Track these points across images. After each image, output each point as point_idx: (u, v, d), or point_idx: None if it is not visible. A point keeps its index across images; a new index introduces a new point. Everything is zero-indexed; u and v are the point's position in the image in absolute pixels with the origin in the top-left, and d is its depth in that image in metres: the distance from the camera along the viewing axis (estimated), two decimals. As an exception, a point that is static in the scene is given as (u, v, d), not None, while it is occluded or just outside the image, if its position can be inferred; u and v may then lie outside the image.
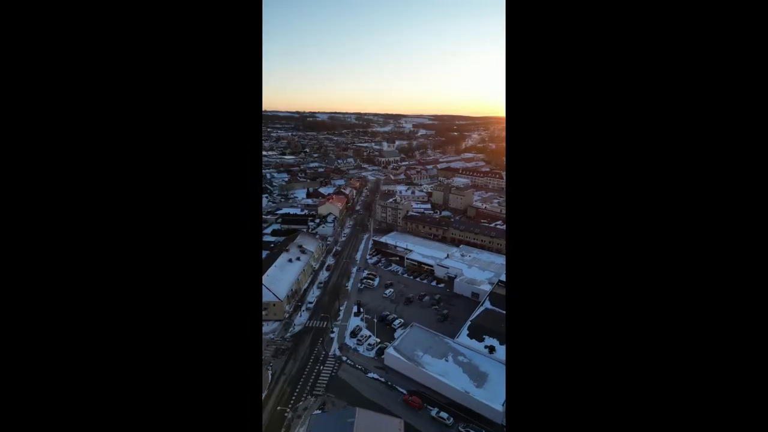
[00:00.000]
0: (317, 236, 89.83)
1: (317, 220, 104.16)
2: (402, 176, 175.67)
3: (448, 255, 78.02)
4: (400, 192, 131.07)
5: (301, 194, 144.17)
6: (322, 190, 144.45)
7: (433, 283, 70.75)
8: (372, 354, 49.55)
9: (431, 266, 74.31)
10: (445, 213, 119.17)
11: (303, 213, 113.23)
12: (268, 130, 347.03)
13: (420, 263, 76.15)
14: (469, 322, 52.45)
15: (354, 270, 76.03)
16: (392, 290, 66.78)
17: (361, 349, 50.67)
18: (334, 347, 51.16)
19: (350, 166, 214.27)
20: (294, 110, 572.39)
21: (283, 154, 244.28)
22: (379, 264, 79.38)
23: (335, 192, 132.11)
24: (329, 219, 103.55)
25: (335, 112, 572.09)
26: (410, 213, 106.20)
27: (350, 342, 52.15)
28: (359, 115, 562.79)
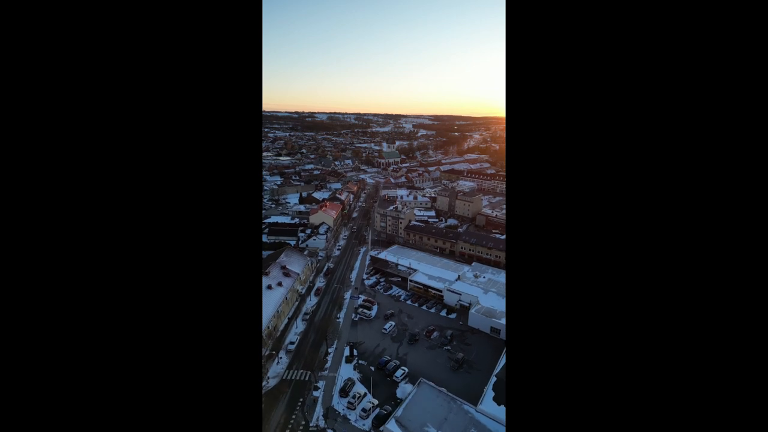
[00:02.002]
0: (306, 251, 77.75)
1: (308, 231, 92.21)
2: (403, 179, 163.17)
3: (459, 276, 65.99)
4: (401, 197, 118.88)
5: (293, 199, 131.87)
6: (317, 194, 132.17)
7: (443, 313, 58.67)
8: (367, 425, 37.48)
9: (440, 291, 62.31)
10: (451, 221, 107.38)
11: (293, 222, 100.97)
12: (266, 130, 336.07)
13: (426, 287, 64.12)
14: (495, 378, 40.42)
15: (347, 296, 63.91)
16: (393, 323, 54.72)
17: (353, 416, 38.58)
18: (318, 413, 39.03)
19: (348, 168, 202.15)
20: (293, 110, 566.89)
21: (279, 155, 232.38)
22: (378, 287, 67.31)
23: (330, 197, 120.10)
24: (321, 230, 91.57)
25: (334, 113, 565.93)
26: (413, 222, 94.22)
27: (339, 404, 40.06)
28: (359, 116, 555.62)
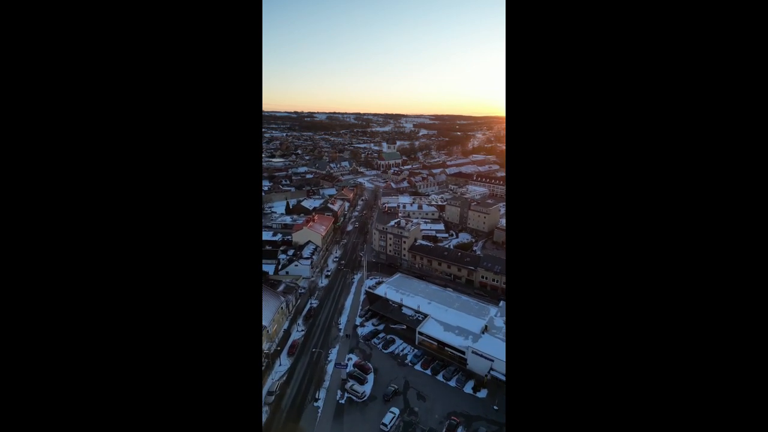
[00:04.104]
0: (283, 285, 60.16)
1: (291, 252, 74.70)
2: (405, 183, 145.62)
3: (486, 326, 48.43)
4: (404, 206, 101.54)
5: (280, 208, 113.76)
6: (307, 203, 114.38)
7: (468, 389, 41.03)
8: None
9: (461, 353, 44.75)
10: (463, 236, 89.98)
11: (274, 239, 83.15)
12: (263, 130, 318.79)
13: (442, 344, 46.58)
14: None
15: (332, 358, 46.22)
16: (397, 412, 37.09)
17: None
18: None
19: (345, 170, 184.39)
20: (292, 110, 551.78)
21: (273, 156, 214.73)
22: (375, 340, 49.78)
23: (321, 206, 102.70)
24: (306, 251, 74.01)
25: (334, 112, 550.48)
26: (419, 241, 76.69)
27: None
28: (358, 115, 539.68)
